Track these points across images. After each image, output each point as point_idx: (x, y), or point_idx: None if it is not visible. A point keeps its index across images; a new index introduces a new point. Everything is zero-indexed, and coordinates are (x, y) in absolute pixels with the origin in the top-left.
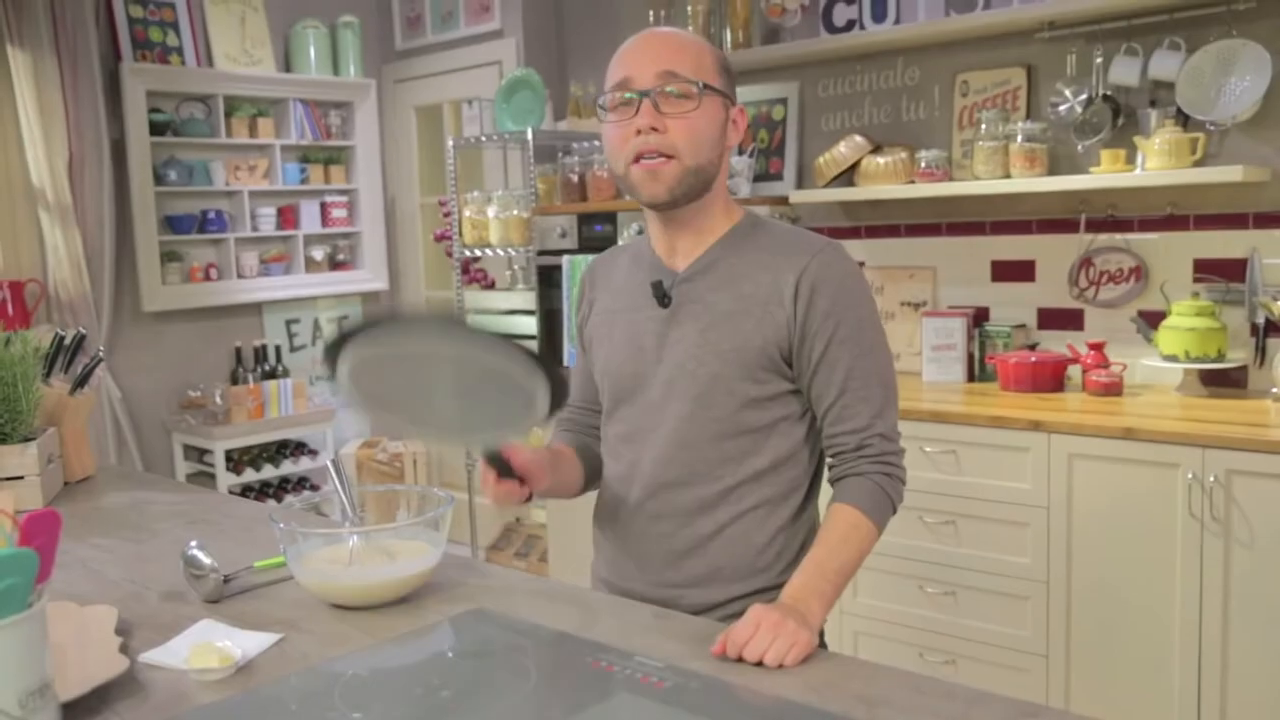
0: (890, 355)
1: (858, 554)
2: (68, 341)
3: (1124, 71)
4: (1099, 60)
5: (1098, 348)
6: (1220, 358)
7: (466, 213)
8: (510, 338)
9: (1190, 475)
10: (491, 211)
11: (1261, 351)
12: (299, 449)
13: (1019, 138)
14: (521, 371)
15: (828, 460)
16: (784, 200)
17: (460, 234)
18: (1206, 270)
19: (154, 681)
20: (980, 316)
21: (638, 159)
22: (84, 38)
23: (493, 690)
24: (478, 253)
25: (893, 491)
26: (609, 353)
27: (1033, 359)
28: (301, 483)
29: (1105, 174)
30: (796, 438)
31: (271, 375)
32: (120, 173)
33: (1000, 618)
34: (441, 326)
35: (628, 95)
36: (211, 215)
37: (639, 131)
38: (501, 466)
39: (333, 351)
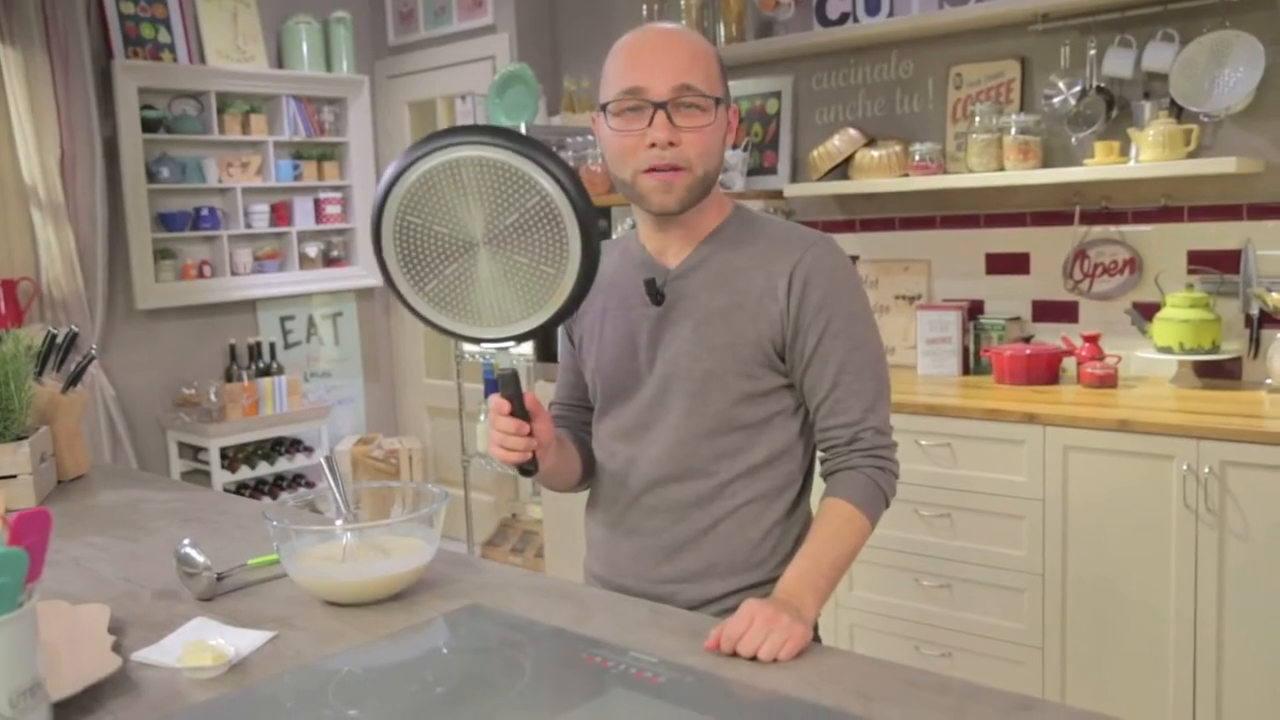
0: (883, 349)
1: (851, 548)
2: (60, 339)
3: (1118, 63)
4: (1092, 52)
5: (1092, 340)
6: (1215, 349)
7: None
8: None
9: (1185, 467)
10: None
11: (1256, 343)
12: (294, 446)
13: (1013, 130)
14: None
15: (820, 454)
16: (778, 194)
17: None
18: (1201, 262)
19: (147, 680)
20: (975, 309)
21: (649, 170)
22: (75, 35)
23: (488, 686)
24: None
25: (885, 485)
26: (600, 350)
27: (1027, 351)
28: (297, 480)
29: (1099, 166)
30: (791, 432)
31: (266, 372)
32: (112, 170)
33: (996, 610)
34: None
35: (640, 104)
36: (205, 212)
37: (653, 144)
38: (516, 396)
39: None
